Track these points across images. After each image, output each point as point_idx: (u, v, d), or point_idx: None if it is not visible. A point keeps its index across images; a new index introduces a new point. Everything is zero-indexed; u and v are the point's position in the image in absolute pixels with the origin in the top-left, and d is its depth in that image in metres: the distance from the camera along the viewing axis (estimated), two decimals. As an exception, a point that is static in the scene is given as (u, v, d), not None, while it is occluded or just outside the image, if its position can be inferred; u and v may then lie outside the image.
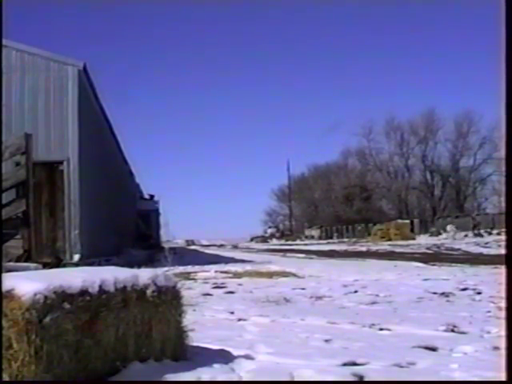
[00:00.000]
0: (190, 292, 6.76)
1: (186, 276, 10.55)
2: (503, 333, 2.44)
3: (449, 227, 40.94)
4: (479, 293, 7.38)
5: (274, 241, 65.74)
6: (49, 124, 13.25)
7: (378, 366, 3.41)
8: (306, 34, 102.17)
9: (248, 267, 13.50)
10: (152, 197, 38.98)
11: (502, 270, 2.42)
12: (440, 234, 39.61)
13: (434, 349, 3.94)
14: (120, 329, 3.02)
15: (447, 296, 7.17)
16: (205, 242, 72.56)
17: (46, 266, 7.45)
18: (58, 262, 10.37)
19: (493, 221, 42.07)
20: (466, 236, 38.04)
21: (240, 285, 9.31)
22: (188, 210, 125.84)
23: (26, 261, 7.97)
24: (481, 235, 36.44)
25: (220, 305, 6.61)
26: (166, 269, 8.47)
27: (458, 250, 23.93)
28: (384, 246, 33.01)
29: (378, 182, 67.47)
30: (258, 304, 6.66)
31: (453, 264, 14.02)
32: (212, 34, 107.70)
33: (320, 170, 73.04)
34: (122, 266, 4.08)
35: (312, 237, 64.30)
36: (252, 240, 72.75)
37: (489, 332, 4.51)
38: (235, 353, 3.60)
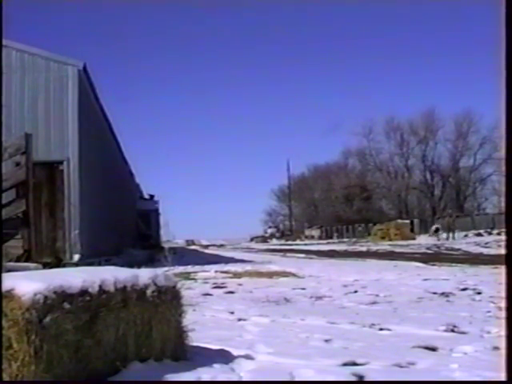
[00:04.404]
0: (189, 292, 6.75)
1: (186, 276, 10.54)
2: (503, 333, 2.44)
3: (434, 227, 41.14)
4: (479, 293, 7.38)
5: (274, 241, 65.76)
6: (49, 124, 13.25)
7: (377, 366, 3.41)
8: (306, 34, 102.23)
9: (248, 267, 13.50)
10: (152, 197, 38.96)
11: (502, 270, 2.42)
12: (439, 232, 39.49)
13: (434, 349, 3.94)
14: (120, 329, 3.02)
15: (447, 296, 7.16)
16: (205, 242, 72.55)
17: (46, 266, 7.46)
18: (58, 262, 10.38)
19: (493, 221, 42.03)
20: (466, 236, 38.06)
21: (240, 285, 9.31)
22: (188, 210, 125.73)
23: (26, 261, 7.97)
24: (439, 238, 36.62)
25: (220, 305, 6.61)
26: (166, 269, 8.47)
27: (458, 250, 23.93)
28: (384, 246, 33.00)
29: (378, 182, 67.45)
30: (258, 304, 6.66)
31: (453, 264, 14.01)
32: (212, 33, 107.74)
33: (320, 169, 73.03)
34: (122, 265, 4.08)
35: (312, 237, 64.29)
36: (252, 240, 72.79)
37: (489, 332, 4.50)
38: (235, 353, 3.60)
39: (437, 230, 38.69)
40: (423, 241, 37.31)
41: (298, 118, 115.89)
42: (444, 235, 37.04)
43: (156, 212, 36.92)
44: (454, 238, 35.79)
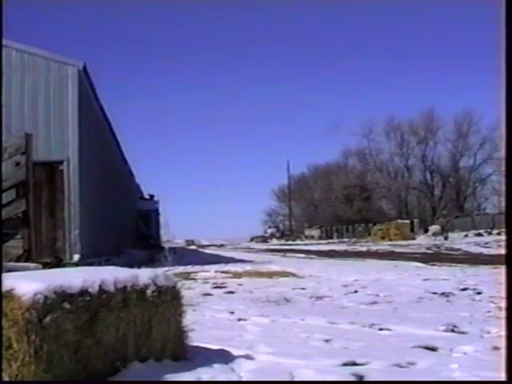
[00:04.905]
0: (190, 292, 6.75)
1: (186, 276, 10.54)
2: (503, 333, 2.44)
3: (433, 228, 41.32)
4: (479, 293, 7.38)
5: (274, 241, 65.76)
6: (49, 124, 13.25)
7: (377, 366, 3.41)
8: (306, 34, 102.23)
9: (248, 267, 13.49)
10: (152, 197, 38.96)
11: (502, 270, 2.42)
12: (440, 234, 39.54)
13: (433, 349, 3.94)
14: (120, 329, 3.01)
15: (447, 296, 7.16)
16: (205, 242, 72.55)
17: (46, 266, 7.45)
18: (58, 262, 10.38)
19: (493, 221, 42.03)
20: (466, 236, 38.07)
21: (240, 285, 9.31)
22: (188, 210, 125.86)
23: (26, 261, 7.96)
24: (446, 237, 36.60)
25: (220, 305, 6.61)
26: (166, 269, 8.48)
27: (458, 250, 23.92)
28: (384, 246, 33.00)
29: (378, 182, 67.44)
30: (257, 304, 6.66)
31: (453, 264, 14.01)
32: (212, 33, 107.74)
33: (320, 169, 73.04)
34: (122, 265, 4.08)
35: (312, 237, 64.29)
36: (252, 240, 72.79)
37: (489, 332, 4.50)
38: (235, 353, 3.60)
39: (434, 234, 38.85)
40: (423, 241, 37.32)
41: (298, 118, 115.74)
42: (440, 237, 37.10)
43: (156, 212, 36.92)
44: (447, 238, 35.82)
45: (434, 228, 41.62)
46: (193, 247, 52.87)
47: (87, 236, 13.49)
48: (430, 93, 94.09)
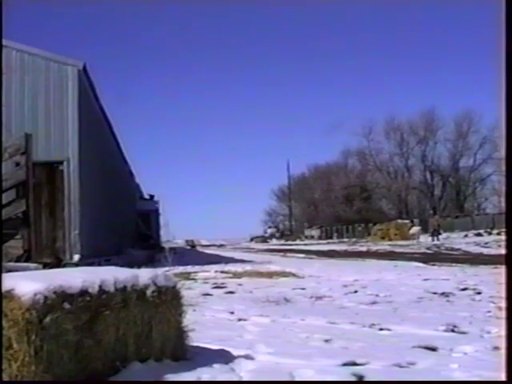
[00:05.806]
0: (189, 292, 6.75)
1: (186, 276, 10.54)
2: (503, 333, 2.45)
3: (413, 229, 41.53)
4: (479, 293, 7.38)
5: (274, 241, 65.80)
6: (49, 124, 13.25)
7: (378, 366, 3.41)
8: (306, 34, 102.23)
9: (248, 267, 13.49)
10: (152, 197, 38.91)
11: (502, 270, 2.42)
12: (440, 234, 39.53)
13: (433, 349, 3.94)
14: (120, 329, 3.01)
15: (447, 296, 7.16)
16: (205, 242, 72.55)
17: (46, 266, 7.45)
18: (58, 262, 10.38)
19: (493, 221, 42.03)
20: (465, 236, 38.07)
21: (240, 285, 9.31)
22: (188, 210, 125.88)
23: (26, 261, 7.96)
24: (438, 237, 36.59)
25: (220, 305, 6.61)
26: (166, 269, 8.47)
27: (458, 249, 23.93)
28: (384, 246, 32.99)
29: (378, 182, 67.46)
30: (258, 304, 6.66)
31: (453, 264, 14.02)
32: (212, 33, 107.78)
33: (320, 170, 73.06)
34: (122, 266, 4.07)
35: (312, 237, 64.31)
36: (252, 240, 72.82)
37: (489, 332, 4.50)
38: (235, 353, 3.60)
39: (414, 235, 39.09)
40: (423, 241, 37.33)
41: (298, 117, 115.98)
42: (430, 238, 37.13)
43: (156, 212, 36.87)
44: (438, 239, 35.85)
45: (413, 230, 41.85)
46: (190, 247, 52.91)
47: (87, 236, 13.48)
48: (430, 93, 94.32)
